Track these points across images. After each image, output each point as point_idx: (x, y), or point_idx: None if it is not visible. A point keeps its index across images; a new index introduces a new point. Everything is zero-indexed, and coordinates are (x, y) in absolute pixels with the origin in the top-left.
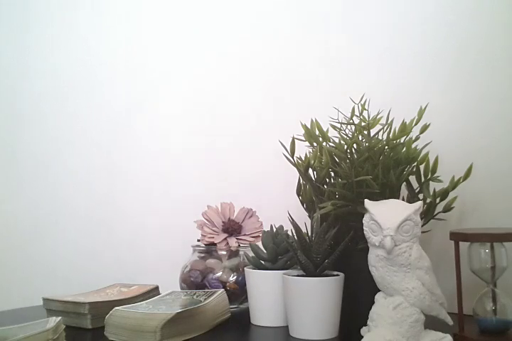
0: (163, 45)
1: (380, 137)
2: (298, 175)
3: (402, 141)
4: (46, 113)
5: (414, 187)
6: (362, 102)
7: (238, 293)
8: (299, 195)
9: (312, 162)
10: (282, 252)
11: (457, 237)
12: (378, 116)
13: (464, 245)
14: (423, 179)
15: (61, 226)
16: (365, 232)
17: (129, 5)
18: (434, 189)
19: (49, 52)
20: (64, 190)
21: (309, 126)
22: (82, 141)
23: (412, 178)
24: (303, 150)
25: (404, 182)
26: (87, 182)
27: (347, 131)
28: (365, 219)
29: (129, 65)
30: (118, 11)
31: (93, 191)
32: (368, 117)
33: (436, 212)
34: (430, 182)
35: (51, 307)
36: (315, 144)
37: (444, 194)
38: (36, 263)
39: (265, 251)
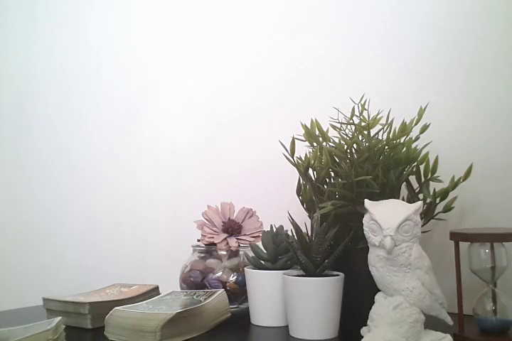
0: (169, 44)
1: (380, 137)
2: (298, 175)
3: (402, 141)
4: (52, 112)
5: (414, 187)
6: (362, 102)
7: (238, 293)
8: (299, 195)
9: (312, 162)
10: (282, 252)
11: (457, 237)
12: (378, 116)
13: (464, 245)
14: (423, 179)
15: (62, 226)
16: (365, 232)
17: (135, 4)
18: (434, 189)
19: (55, 52)
20: (67, 190)
21: (309, 126)
22: (87, 140)
23: (412, 178)
24: (303, 150)
25: (404, 182)
26: (88, 184)
27: (347, 131)
28: (365, 219)
29: (135, 63)
30: (123, 11)
31: (94, 192)
32: (368, 117)
33: (436, 212)
34: (430, 182)
35: (51, 307)
36: (315, 144)
37: (444, 194)
38: (37, 263)
39: (265, 251)
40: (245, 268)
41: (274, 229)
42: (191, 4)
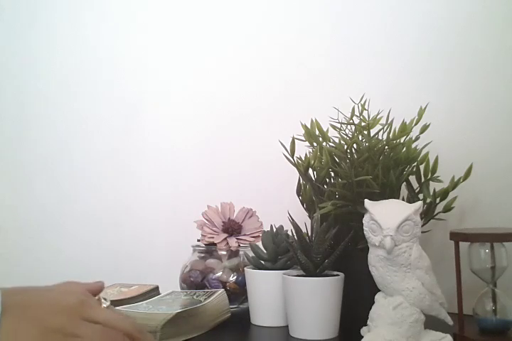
0: (169, 44)
1: (380, 137)
2: (298, 175)
3: (402, 141)
4: (52, 112)
5: (414, 187)
6: (362, 102)
7: (238, 293)
8: (299, 195)
9: (312, 162)
10: (282, 252)
11: (457, 237)
12: (378, 116)
13: (464, 245)
14: (423, 179)
15: (62, 226)
16: (365, 232)
17: (135, 4)
18: (434, 189)
19: (55, 52)
20: (67, 190)
21: (309, 126)
22: (87, 140)
23: (412, 178)
24: (303, 150)
25: (404, 182)
26: (88, 183)
27: (347, 131)
28: (365, 219)
29: (135, 63)
30: (123, 11)
31: (94, 192)
32: (368, 117)
33: (436, 212)
34: (430, 182)
35: None
36: (315, 144)
37: (444, 194)
38: (37, 263)
39: (265, 251)
40: (245, 268)
41: (274, 229)
42: (192, 5)
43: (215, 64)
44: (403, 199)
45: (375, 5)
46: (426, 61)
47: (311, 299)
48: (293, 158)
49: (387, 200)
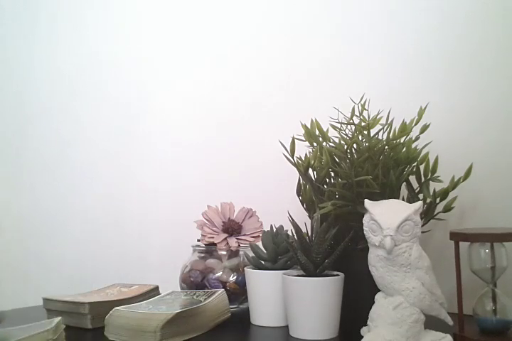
0: (167, 47)
1: (380, 137)
2: (298, 175)
3: (402, 141)
4: (52, 113)
5: (414, 187)
6: (362, 102)
7: (238, 293)
8: (299, 195)
9: (312, 162)
10: (282, 252)
11: (457, 237)
12: (378, 116)
13: (464, 245)
14: (423, 179)
15: (62, 226)
16: (365, 232)
17: (135, 4)
18: (434, 189)
19: (55, 53)
20: (67, 190)
21: (309, 126)
22: (88, 140)
23: (412, 178)
24: (303, 150)
25: (404, 182)
26: (89, 184)
27: (347, 131)
28: (365, 219)
29: (138, 64)
30: (123, 12)
31: (94, 192)
32: (368, 117)
33: (436, 212)
34: (430, 182)
35: (51, 307)
36: (315, 144)
37: (444, 194)
38: (37, 263)
39: (265, 251)
40: (245, 268)
41: (274, 229)
42: (193, 7)
43: (216, 65)
44: (403, 199)
45: (375, 5)
46: (426, 61)
47: (311, 299)
48: (293, 158)
49: (387, 200)
